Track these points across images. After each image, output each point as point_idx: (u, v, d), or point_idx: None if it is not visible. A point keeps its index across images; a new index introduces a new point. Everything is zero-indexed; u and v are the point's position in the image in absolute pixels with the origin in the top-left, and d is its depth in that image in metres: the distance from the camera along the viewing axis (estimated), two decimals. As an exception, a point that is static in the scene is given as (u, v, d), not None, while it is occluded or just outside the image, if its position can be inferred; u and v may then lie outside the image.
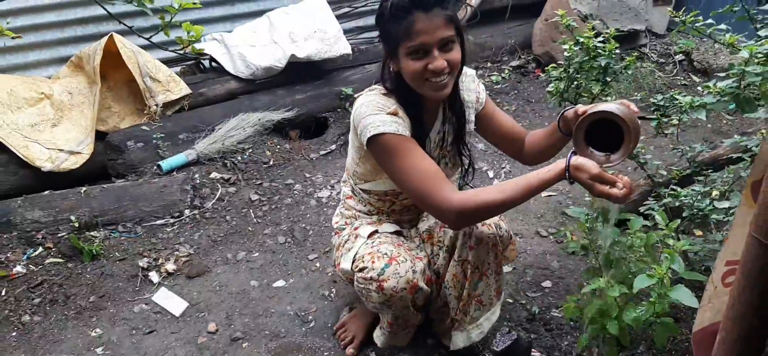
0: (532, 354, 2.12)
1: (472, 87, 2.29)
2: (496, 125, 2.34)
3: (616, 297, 1.86)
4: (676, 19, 2.14)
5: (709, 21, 2.09)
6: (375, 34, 5.60)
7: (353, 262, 2.22)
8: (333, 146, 4.37)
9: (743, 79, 1.74)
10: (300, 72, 4.74)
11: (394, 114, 2.00)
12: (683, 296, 1.74)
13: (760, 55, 1.71)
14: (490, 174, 3.92)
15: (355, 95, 2.12)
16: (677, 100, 2.01)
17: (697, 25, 2.08)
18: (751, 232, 1.08)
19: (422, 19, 1.88)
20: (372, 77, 4.92)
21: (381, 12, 1.96)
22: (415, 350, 2.45)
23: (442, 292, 2.27)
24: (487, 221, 2.15)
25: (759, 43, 1.75)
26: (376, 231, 2.28)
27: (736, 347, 1.16)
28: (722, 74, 1.90)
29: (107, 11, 2.14)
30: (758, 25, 1.94)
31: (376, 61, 5.21)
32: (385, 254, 2.13)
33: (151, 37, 2.34)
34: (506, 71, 5.27)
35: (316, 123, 4.71)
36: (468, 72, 2.28)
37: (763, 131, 2.50)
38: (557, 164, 1.81)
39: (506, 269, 2.88)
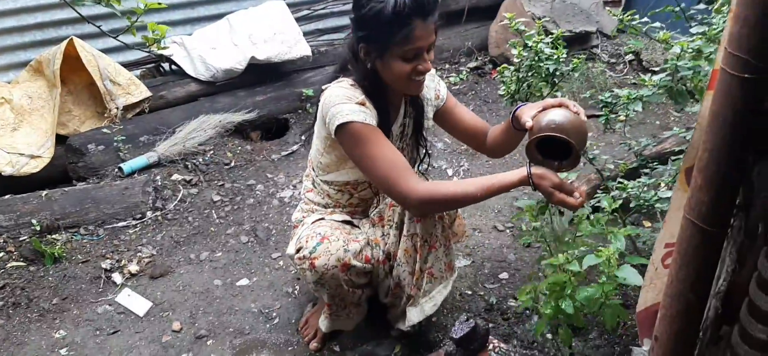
0: (490, 340, 2.21)
1: (432, 85, 2.40)
2: (457, 119, 2.44)
3: (571, 275, 1.97)
4: (615, 18, 2.26)
5: (645, 19, 2.22)
6: (335, 36, 5.70)
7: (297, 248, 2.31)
8: (294, 147, 4.42)
9: (676, 73, 1.85)
10: (260, 74, 4.78)
11: (362, 104, 2.08)
12: (629, 275, 1.86)
13: (691, 51, 1.83)
14: (449, 171, 4.01)
15: (320, 90, 2.19)
16: (618, 96, 2.13)
17: (633, 23, 2.20)
18: (685, 214, 1.18)
19: (420, 26, 1.97)
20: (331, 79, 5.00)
21: (374, 13, 1.99)
22: (379, 341, 2.53)
23: (396, 271, 2.33)
24: None
25: (691, 39, 1.88)
26: (323, 218, 2.36)
27: (676, 322, 1.26)
28: (657, 68, 2.03)
29: (79, 14, 2.17)
30: (692, 23, 2.07)
31: (336, 62, 5.26)
32: (319, 233, 2.23)
33: (117, 35, 2.38)
34: (464, 72, 5.38)
35: (277, 124, 4.76)
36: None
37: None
38: (520, 171, 1.92)
39: (465, 261, 2.98)
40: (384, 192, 2.18)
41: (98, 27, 2.46)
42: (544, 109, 1.94)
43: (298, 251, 2.26)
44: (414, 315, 2.34)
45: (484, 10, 5.78)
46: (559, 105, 1.92)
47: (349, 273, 2.22)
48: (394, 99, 2.28)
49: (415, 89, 2.15)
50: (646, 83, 1.96)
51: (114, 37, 2.29)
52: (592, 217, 2.16)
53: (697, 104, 1.99)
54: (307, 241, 2.23)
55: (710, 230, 1.15)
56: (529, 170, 1.89)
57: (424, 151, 2.49)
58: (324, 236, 2.21)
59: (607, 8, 5.04)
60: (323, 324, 2.49)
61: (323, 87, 2.20)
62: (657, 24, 2.16)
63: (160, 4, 2.26)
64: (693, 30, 1.95)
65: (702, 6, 2.20)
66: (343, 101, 2.07)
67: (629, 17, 2.19)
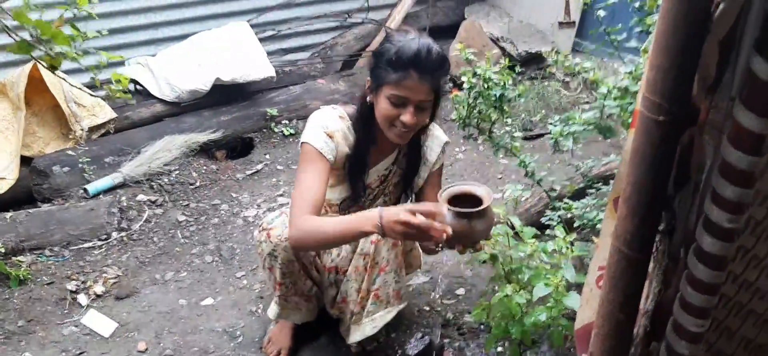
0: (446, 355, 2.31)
1: (436, 151, 2.51)
2: (427, 191, 2.53)
3: (520, 305, 2.09)
4: (569, 39, 2.39)
5: (586, 43, 2.36)
6: (298, 56, 5.79)
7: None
8: (259, 166, 4.50)
9: (604, 110, 1.99)
10: (225, 94, 4.86)
11: (330, 136, 2.25)
12: (574, 302, 1.99)
13: (616, 91, 1.97)
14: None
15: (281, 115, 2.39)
16: (553, 125, 2.26)
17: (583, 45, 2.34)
18: (613, 241, 1.29)
19: (414, 78, 2.09)
20: (296, 98, 5.11)
21: (383, 52, 2.16)
22: (337, 352, 2.62)
23: (343, 287, 2.42)
24: None
25: (620, 78, 2.02)
26: None
27: (607, 340, 1.36)
28: (587, 107, 2.16)
29: (34, 58, 2.23)
30: (623, 61, 2.21)
31: (300, 82, 5.36)
32: (282, 212, 2.43)
33: (89, 72, 2.47)
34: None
35: (242, 143, 4.83)
36: (440, 137, 2.52)
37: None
38: (373, 217, 1.95)
39: (423, 278, 3.08)
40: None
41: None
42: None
43: (259, 227, 2.43)
44: (355, 334, 2.43)
45: (445, 29, 5.91)
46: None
47: (302, 253, 2.36)
48: (385, 144, 2.38)
49: (394, 137, 2.24)
50: (575, 120, 2.10)
51: (78, 88, 2.35)
52: (550, 246, 2.28)
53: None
54: (268, 216, 2.45)
55: (635, 256, 1.25)
56: (381, 217, 1.93)
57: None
58: (283, 212, 2.41)
59: (562, 29, 5.20)
60: (272, 311, 2.58)
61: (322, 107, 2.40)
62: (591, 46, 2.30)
63: (100, 33, 2.37)
64: (621, 69, 2.09)
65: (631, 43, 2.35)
66: (316, 124, 2.27)
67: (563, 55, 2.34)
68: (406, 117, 2.14)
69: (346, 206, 2.47)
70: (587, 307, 1.75)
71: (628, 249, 1.25)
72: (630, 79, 1.99)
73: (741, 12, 1.05)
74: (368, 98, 2.27)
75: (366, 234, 2.08)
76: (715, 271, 1.16)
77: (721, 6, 1.04)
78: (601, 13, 2.58)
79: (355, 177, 2.41)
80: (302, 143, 2.25)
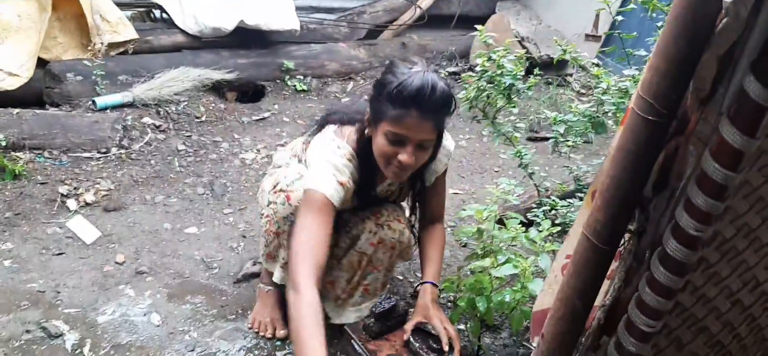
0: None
1: (444, 161, 2.37)
2: (428, 196, 2.45)
3: (491, 279, 2.11)
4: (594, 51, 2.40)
5: (609, 60, 2.37)
6: (325, 16, 5.81)
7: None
8: (266, 114, 4.53)
9: (601, 105, 2.00)
10: (246, 38, 4.88)
11: (342, 185, 2.08)
12: (537, 287, 2.01)
13: (616, 89, 1.98)
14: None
15: (324, 118, 2.27)
16: (548, 116, 2.28)
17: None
18: (583, 230, 1.31)
19: (415, 116, 1.94)
20: (314, 56, 5.13)
21: (384, 84, 1.99)
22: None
23: (335, 272, 2.39)
24: (394, 226, 2.32)
25: (621, 77, 2.03)
26: None
27: (560, 323, 1.38)
28: (583, 91, 2.18)
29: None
30: (631, 65, 2.22)
31: (321, 41, 5.38)
32: (299, 173, 2.28)
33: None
34: (442, 75, 5.51)
35: (254, 89, 4.86)
36: (448, 147, 2.35)
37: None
38: None
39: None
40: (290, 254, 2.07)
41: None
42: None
43: (274, 187, 2.30)
44: (338, 318, 2.43)
45: (474, 19, 5.82)
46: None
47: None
48: None
49: (391, 175, 2.12)
50: (572, 110, 2.11)
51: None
52: (532, 232, 2.30)
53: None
54: (286, 177, 2.29)
55: (602, 247, 1.27)
56: None
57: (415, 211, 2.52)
58: (303, 175, 2.23)
59: (588, 41, 5.20)
60: (279, 276, 2.40)
61: (328, 128, 2.23)
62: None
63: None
64: (625, 71, 2.10)
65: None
66: (326, 169, 2.08)
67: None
68: (404, 157, 2.00)
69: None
70: (548, 292, 1.77)
71: (596, 239, 1.26)
72: (631, 82, 2.00)
73: (743, 33, 1.06)
74: (366, 131, 2.12)
75: None
76: (675, 276, 1.18)
77: (724, 22, 1.06)
78: (623, 30, 2.58)
79: (362, 202, 2.32)
80: (315, 190, 2.03)
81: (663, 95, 1.12)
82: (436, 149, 2.15)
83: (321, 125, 2.31)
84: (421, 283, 2.32)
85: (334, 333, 2.46)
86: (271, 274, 2.45)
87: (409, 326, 2.16)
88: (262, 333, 2.50)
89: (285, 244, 2.31)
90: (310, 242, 1.97)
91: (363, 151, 2.15)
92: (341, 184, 2.08)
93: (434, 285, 2.31)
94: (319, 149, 2.17)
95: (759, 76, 1.00)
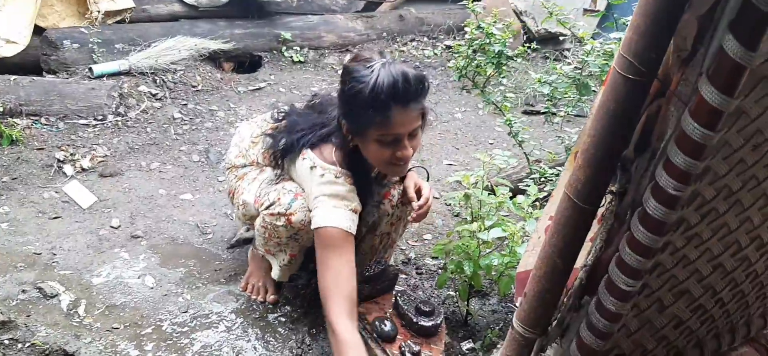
0: (396, 288, 2.38)
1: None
2: None
3: (479, 243, 2.14)
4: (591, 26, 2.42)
5: (606, 35, 2.38)
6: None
7: (256, 198, 2.28)
8: (262, 85, 4.54)
9: (586, 67, 2.02)
10: (243, 7, 4.90)
11: (355, 212, 2.08)
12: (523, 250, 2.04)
13: (599, 52, 2.00)
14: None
15: (300, 146, 2.16)
16: (534, 80, 2.29)
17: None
18: (565, 189, 1.33)
19: (399, 112, 1.91)
20: (312, 27, 5.13)
21: (354, 94, 1.94)
22: (300, 274, 2.68)
23: None
24: (405, 201, 2.33)
25: (605, 41, 2.04)
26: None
27: (541, 282, 1.41)
28: (569, 61, 2.20)
29: None
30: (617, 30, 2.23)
31: (319, 13, 5.38)
32: (290, 190, 2.19)
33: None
34: (439, 48, 5.52)
35: (250, 59, 4.86)
36: None
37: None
38: None
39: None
40: (326, 294, 2.07)
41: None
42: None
43: (268, 208, 2.21)
44: None
45: (472, -7, 5.90)
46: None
47: None
48: None
49: (397, 173, 2.14)
50: (556, 71, 2.12)
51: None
52: (519, 198, 2.32)
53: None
54: (279, 198, 2.19)
55: (582, 206, 1.29)
56: None
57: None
58: (297, 194, 2.18)
59: (586, 16, 5.19)
60: (277, 273, 2.43)
61: (305, 154, 2.14)
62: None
63: None
64: (611, 35, 2.12)
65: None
66: (334, 203, 2.05)
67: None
68: (402, 152, 2.00)
69: None
70: (532, 253, 1.79)
71: (577, 198, 1.28)
72: (616, 45, 2.01)
73: (722, -7, 1.08)
74: (350, 142, 2.09)
75: None
76: (654, 235, 1.20)
77: (705, -18, 1.07)
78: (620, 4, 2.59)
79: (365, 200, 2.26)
80: (331, 227, 2.03)
81: (642, 53, 1.14)
82: (423, 124, 2.09)
83: (287, 148, 2.21)
84: None
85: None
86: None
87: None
88: (253, 297, 2.52)
89: (289, 251, 2.33)
90: (339, 281, 2.01)
91: (353, 163, 2.12)
92: (354, 211, 2.07)
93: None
94: (314, 184, 2.11)
95: (738, 36, 1.02)
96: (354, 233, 2.06)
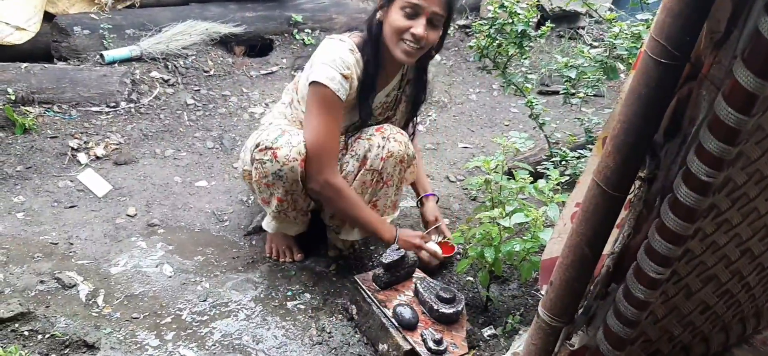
0: (416, 274, 2.36)
1: (432, 70, 2.56)
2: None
3: (500, 229, 2.12)
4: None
5: (623, 13, 2.34)
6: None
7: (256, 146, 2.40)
8: (274, 68, 4.51)
9: (614, 50, 1.98)
10: (254, -10, 4.85)
11: (346, 78, 2.22)
12: (548, 236, 2.01)
13: (629, 34, 1.95)
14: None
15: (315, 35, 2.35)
16: (557, 62, 2.25)
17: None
18: (593, 176, 1.30)
19: None
20: (323, 9, 5.08)
21: None
22: (317, 259, 2.67)
23: None
24: (399, 138, 2.39)
25: (632, 23, 2.00)
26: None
27: (569, 270, 1.39)
28: (596, 44, 2.16)
29: None
30: (643, 11, 2.19)
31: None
32: (280, 128, 2.40)
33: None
34: (452, 28, 5.46)
35: (262, 43, 4.82)
36: (436, 58, 2.56)
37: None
38: (392, 231, 2.44)
39: (412, 202, 3.09)
40: (307, 155, 2.29)
41: None
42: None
43: (257, 146, 2.36)
44: (349, 235, 2.54)
45: (486, -28, 5.85)
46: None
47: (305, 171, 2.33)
48: (390, 67, 2.38)
49: (401, 54, 2.23)
50: (584, 55, 2.09)
51: None
52: (540, 183, 2.29)
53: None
54: (268, 135, 2.35)
55: (612, 193, 1.27)
56: (397, 235, 2.43)
57: (411, 127, 2.66)
58: (284, 130, 2.35)
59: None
60: (270, 225, 2.55)
61: (329, 36, 2.33)
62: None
63: None
64: (638, 16, 2.07)
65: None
66: (332, 63, 2.21)
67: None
68: (418, 29, 2.14)
69: (351, 132, 2.48)
70: (558, 241, 1.76)
71: (606, 185, 1.26)
72: (644, 27, 1.98)
73: (758, -26, 1.05)
74: (378, 15, 2.26)
75: (382, 239, 2.42)
76: (685, 222, 1.17)
77: (739, -36, 1.04)
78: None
79: (363, 103, 2.39)
80: (318, 82, 2.20)
81: (676, 37, 1.11)
82: (443, 37, 2.31)
83: None
84: (425, 196, 2.77)
85: (344, 284, 2.49)
86: None
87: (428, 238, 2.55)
88: (282, 260, 2.63)
89: (277, 195, 2.42)
90: (328, 142, 2.25)
91: (372, 36, 2.28)
92: (345, 77, 2.21)
93: (433, 194, 2.78)
94: (323, 46, 2.29)
95: (775, 18, 0.98)
96: (342, 98, 2.23)
